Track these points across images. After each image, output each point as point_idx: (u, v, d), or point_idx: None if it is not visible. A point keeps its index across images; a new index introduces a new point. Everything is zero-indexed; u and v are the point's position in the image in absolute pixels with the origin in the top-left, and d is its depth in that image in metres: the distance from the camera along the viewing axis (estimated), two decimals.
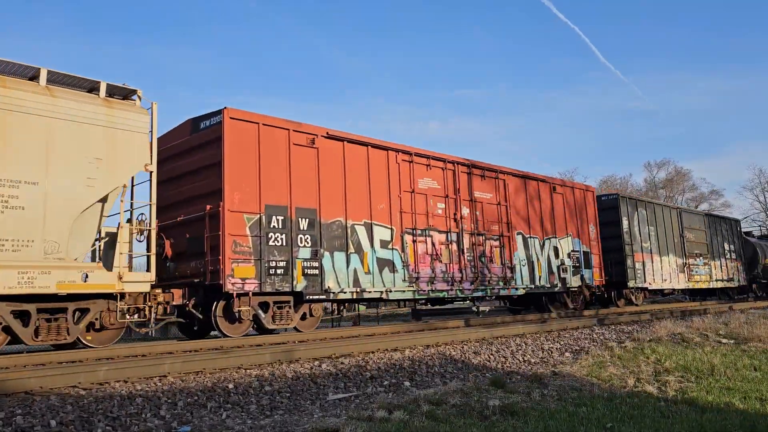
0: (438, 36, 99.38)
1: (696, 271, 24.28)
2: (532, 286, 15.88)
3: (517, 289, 15.43)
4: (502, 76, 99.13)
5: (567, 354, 8.80)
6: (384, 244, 12.45)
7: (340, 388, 6.28)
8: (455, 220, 14.04)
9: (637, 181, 62.50)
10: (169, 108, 77.97)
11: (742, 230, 36.85)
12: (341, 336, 11.14)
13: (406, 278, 12.66)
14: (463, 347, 8.86)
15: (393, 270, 12.49)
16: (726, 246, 27.63)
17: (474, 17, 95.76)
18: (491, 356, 8.36)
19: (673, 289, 23.58)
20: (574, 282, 17.34)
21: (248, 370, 6.75)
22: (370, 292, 11.97)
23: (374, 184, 12.59)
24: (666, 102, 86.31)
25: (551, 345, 9.45)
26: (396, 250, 12.63)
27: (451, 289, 13.62)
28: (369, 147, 12.68)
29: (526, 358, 8.39)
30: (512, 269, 15.33)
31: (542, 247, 16.54)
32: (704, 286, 24.85)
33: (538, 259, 16.30)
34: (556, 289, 16.78)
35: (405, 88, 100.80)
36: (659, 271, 21.82)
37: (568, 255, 17.38)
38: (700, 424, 4.81)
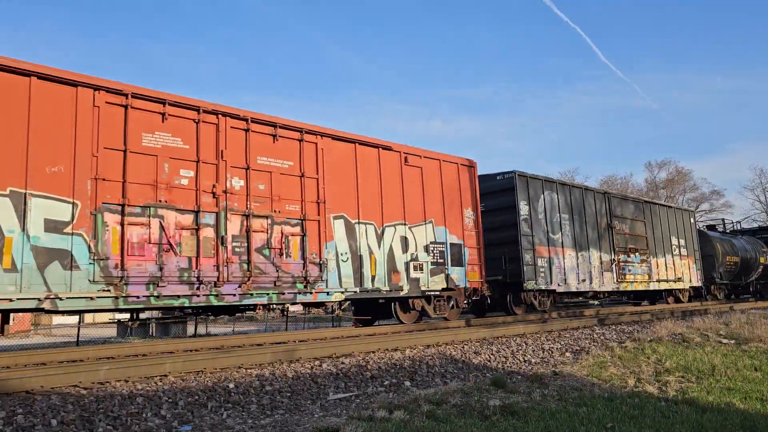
0: (440, 35, 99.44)
1: (630, 270, 19.88)
2: (357, 290, 11.58)
3: (329, 293, 11.13)
4: (504, 75, 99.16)
5: (567, 354, 8.80)
6: (55, 227, 8.40)
7: (341, 388, 6.29)
8: (215, 194, 9.89)
9: (638, 181, 62.63)
10: None
11: (709, 225, 33.17)
12: (342, 336, 11.14)
13: (98, 278, 8.54)
14: (463, 347, 8.87)
15: (70, 266, 8.41)
16: (675, 240, 23.19)
17: (475, 16, 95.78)
18: (492, 356, 8.37)
19: (596, 292, 19.14)
20: (434, 283, 13.11)
21: (249, 370, 6.76)
22: (12, 300, 7.81)
23: (42, 135, 8.40)
24: (667, 101, 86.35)
25: (552, 345, 9.46)
26: (79, 235, 8.54)
27: (197, 294, 9.45)
28: (33, 78, 8.40)
29: (526, 358, 8.39)
30: (321, 266, 11.05)
31: (380, 236, 12.28)
32: (641, 287, 20.56)
33: (371, 253, 12.01)
34: (402, 293, 12.40)
35: (407, 86, 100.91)
36: (574, 269, 17.32)
37: (426, 248, 13.09)
38: (700, 424, 4.81)
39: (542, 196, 16.87)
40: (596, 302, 23.76)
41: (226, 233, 9.92)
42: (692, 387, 6.56)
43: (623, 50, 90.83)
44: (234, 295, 9.91)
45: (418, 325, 12.91)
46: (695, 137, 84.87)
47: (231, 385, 5.92)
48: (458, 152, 14.42)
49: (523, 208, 16.06)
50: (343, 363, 7.29)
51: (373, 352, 8.31)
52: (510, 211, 15.99)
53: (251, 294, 10.08)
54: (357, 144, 12.28)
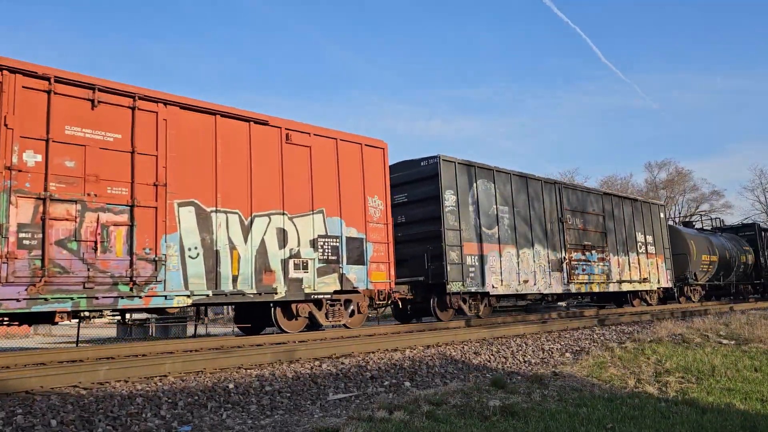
0: (439, 35, 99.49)
1: (583, 269, 17.74)
2: (210, 293, 9.66)
3: (168, 297, 9.18)
4: (504, 75, 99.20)
5: (567, 354, 8.79)
6: None
7: (341, 388, 6.28)
8: None
9: (638, 181, 62.59)
10: None
11: (685, 221, 31.09)
12: (341, 336, 11.14)
13: None
14: (463, 347, 8.86)
15: None
16: (641, 237, 20.86)
17: (475, 16, 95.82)
18: (492, 356, 8.37)
19: (542, 294, 17.10)
20: (323, 285, 11.15)
21: (249, 370, 6.75)
22: None
23: None
24: (667, 101, 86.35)
25: (552, 345, 9.46)
26: None
27: None
28: None
29: (526, 359, 8.39)
30: (158, 263, 9.07)
31: (248, 227, 10.29)
32: (597, 288, 18.24)
33: (233, 248, 10.06)
34: (277, 296, 10.49)
35: (407, 86, 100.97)
36: (514, 268, 15.31)
37: (313, 242, 11.12)
38: (700, 425, 4.81)
39: (475, 184, 14.83)
40: (563, 304, 22.09)
41: (7, 221, 7.82)
42: (692, 387, 6.55)
43: (623, 50, 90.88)
44: (18, 300, 7.78)
45: (418, 326, 12.92)
46: (695, 137, 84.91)
47: (231, 386, 5.91)
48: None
49: (449, 198, 14.06)
50: (342, 363, 7.29)
51: (373, 352, 8.31)
52: (434, 201, 14.06)
53: (45, 299, 7.96)
54: (218, 116, 10.21)
